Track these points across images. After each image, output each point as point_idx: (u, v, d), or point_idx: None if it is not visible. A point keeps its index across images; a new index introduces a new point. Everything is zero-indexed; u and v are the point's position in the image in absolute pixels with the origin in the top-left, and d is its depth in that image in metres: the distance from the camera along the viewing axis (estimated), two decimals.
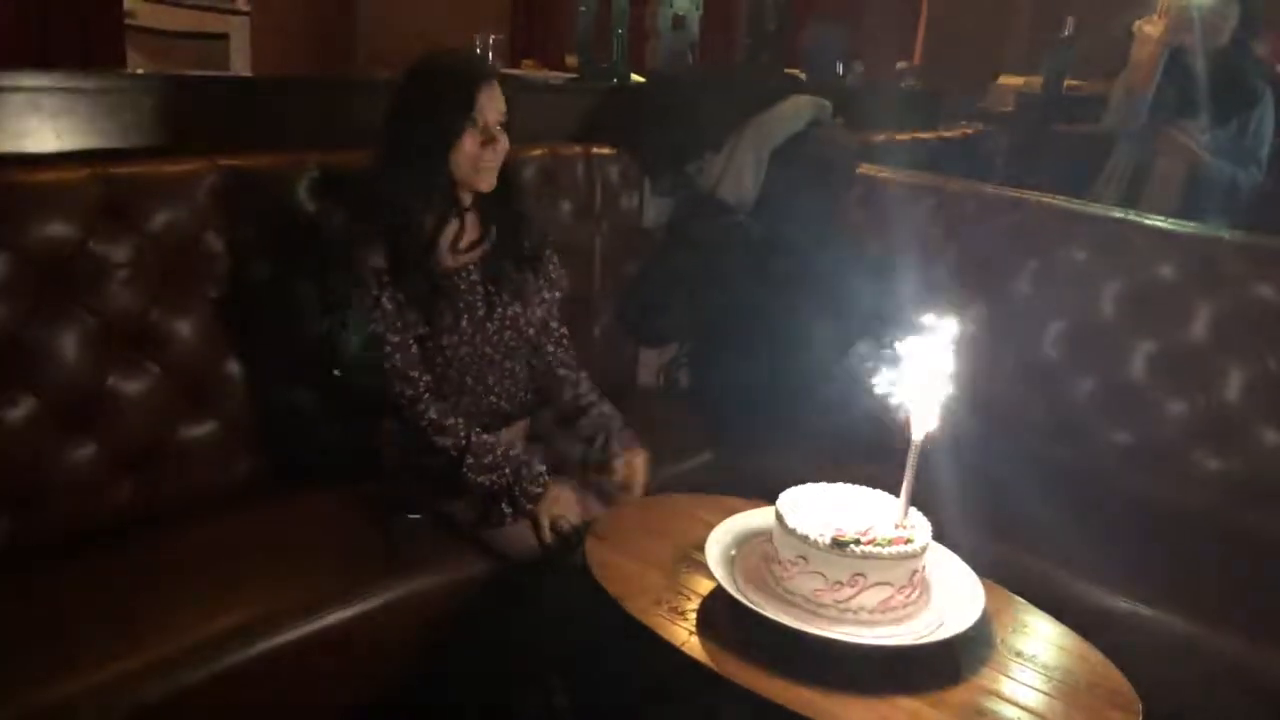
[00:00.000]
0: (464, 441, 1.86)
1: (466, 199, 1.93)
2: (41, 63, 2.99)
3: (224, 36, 4.99)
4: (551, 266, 2.07)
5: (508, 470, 1.86)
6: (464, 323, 1.91)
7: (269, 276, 2.04)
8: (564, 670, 1.85)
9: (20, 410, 1.76)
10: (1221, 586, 1.99)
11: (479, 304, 1.94)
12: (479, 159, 1.86)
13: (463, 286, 1.92)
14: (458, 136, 1.83)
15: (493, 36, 2.56)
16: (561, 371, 2.08)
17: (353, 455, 2.02)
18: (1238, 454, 2.27)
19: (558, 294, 2.08)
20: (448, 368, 1.93)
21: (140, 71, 2.35)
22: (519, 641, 1.87)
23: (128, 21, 5.01)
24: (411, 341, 1.87)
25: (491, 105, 1.85)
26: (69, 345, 1.81)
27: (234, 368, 2.02)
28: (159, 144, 2.06)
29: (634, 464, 1.99)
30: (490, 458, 1.86)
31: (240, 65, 4.71)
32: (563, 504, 1.88)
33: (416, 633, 1.84)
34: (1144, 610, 1.91)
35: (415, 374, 1.87)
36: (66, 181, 1.83)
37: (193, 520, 1.88)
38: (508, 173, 1.94)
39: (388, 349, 1.85)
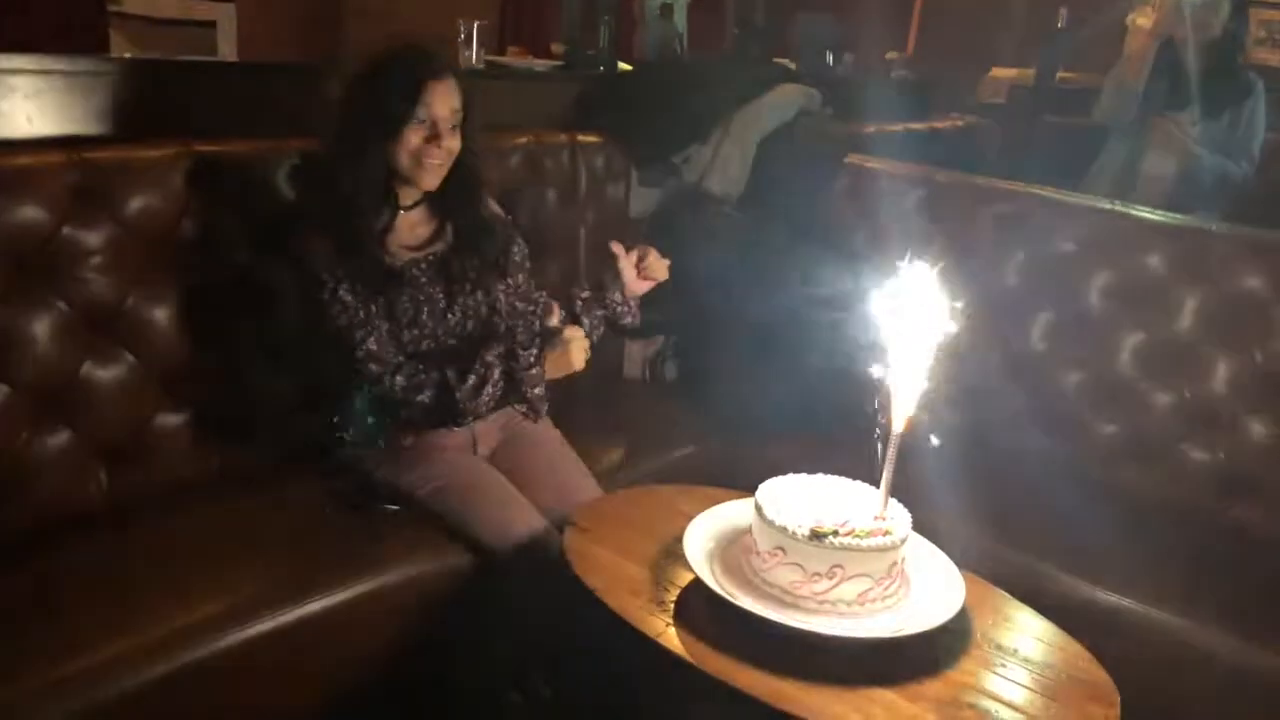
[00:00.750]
0: (436, 377, 1.83)
1: (409, 196, 1.89)
2: (21, 48, 2.96)
3: (211, 24, 4.95)
4: (515, 248, 2.03)
5: (490, 358, 1.84)
6: (424, 315, 1.88)
7: (246, 264, 2.02)
8: (547, 661, 1.85)
9: None
10: (1206, 579, 1.98)
11: (439, 296, 1.90)
12: (421, 153, 1.82)
13: (423, 280, 1.89)
14: (398, 128, 1.79)
15: (477, 23, 2.53)
16: (540, 306, 2.01)
17: (329, 445, 2.00)
18: (1224, 446, 2.25)
19: (526, 267, 2.04)
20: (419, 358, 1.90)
21: (116, 55, 2.32)
22: (501, 632, 1.86)
23: (115, 9, 4.97)
24: (378, 323, 1.83)
25: (442, 101, 1.81)
26: (42, 332, 1.79)
27: (210, 356, 2.00)
28: (135, 129, 2.03)
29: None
30: (469, 356, 1.83)
31: (228, 52, 4.68)
32: (576, 347, 1.88)
33: (396, 624, 1.83)
34: (1127, 603, 1.90)
35: (390, 353, 1.84)
36: (40, 166, 1.80)
37: (167, 509, 1.86)
38: (468, 176, 1.90)
39: (358, 335, 1.81)
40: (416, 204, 1.91)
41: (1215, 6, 2.87)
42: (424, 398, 1.84)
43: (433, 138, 1.81)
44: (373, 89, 1.81)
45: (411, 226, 1.92)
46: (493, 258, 1.97)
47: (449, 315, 1.91)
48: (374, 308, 1.83)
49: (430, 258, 1.92)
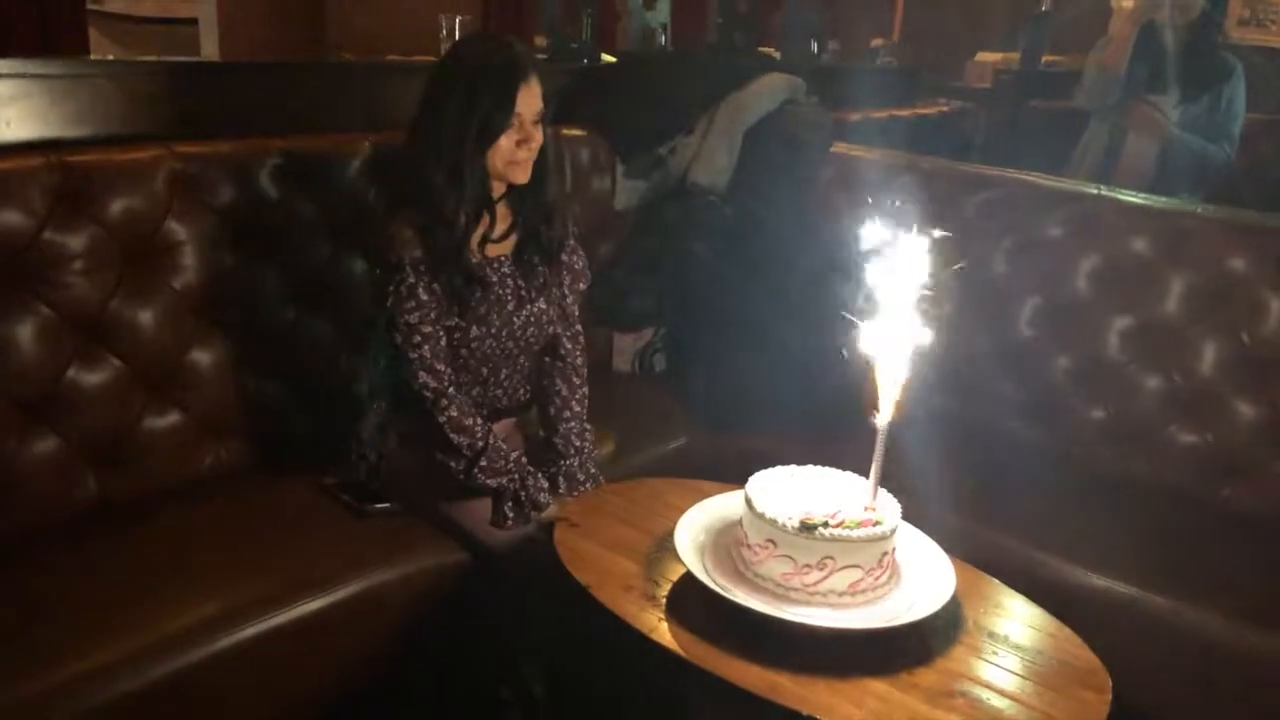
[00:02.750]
0: (480, 444, 1.85)
1: (499, 190, 1.90)
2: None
3: (193, 22, 4.92)
4: (577, 258, 2.04)
5: (517, 476, 1.87)
6: (494, 316, 1.89)
7: (233, 265, 2.01)
8: (540, 659, 1.85)
9: None
10: (1196, 561, 1.99)
11: (509, 298, 1.91)
12: (514, 154, 1.82)
13: (494, 279, 1.90)
14: (495, 139, 1.79)
15: (459, 18, 2.52)
16: (560, 385, 2.03)
17: (320, 445, 2.00)
18: (1212, 428, 2.26)
19: (581, 285, 2.06)
20: (469, 359, 1.91)
21: (96, 57, 2.30)
22: (494, 630, 1.86)
23: (95, 7, 4.94)
24: (441, 333, 1.84)
25: (530, 102, 1.81)
26: (25, 338, 1.78)
27: (198, 357, 1.99)
28: (117, 131, 2.02)
29: None
30: (503, 463, 1.86)
31: (210, 50, 4.65)
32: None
33: (390, 623, 1.83)
34: (1119, 587, 1.91)
35: (442, 368, 1.84)
36: (20, 171, 1.79)
37: (157, 513, 1.86)
38: (540, 161, 1.89)
39: (417, 339, 1.81)
40: (502, 197, 1.91)
41: None
42: (456, 440, 1.84)
43: (523, 140, 1.82)
44: (465, 97, 1.78)
45: (497, 220, 1.92)
46: (553, 247, 1.97)
47: (515, 318, 1.92)
48: (446, 308, 1.83)
49: (504, 257, 1.93)
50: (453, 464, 1.85)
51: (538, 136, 1.84)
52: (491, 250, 1.91)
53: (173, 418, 1.97)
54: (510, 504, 1.86)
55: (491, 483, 1.85)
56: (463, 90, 1.79)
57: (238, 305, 2.03)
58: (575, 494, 1.92)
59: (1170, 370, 2.32)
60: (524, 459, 1.91)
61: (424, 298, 1.81)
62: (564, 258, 2.00)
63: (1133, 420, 2.35)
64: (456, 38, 2.49)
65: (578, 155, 2.68)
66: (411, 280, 1.80)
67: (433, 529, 1.90)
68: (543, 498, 1.87)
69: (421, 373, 1.83)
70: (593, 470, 1.99)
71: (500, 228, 1.92)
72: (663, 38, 3.06)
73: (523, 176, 1.86)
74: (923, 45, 5.42)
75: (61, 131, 1.96)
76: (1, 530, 1.75)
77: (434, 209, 1.80)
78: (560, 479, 1.94)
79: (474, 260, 1.87)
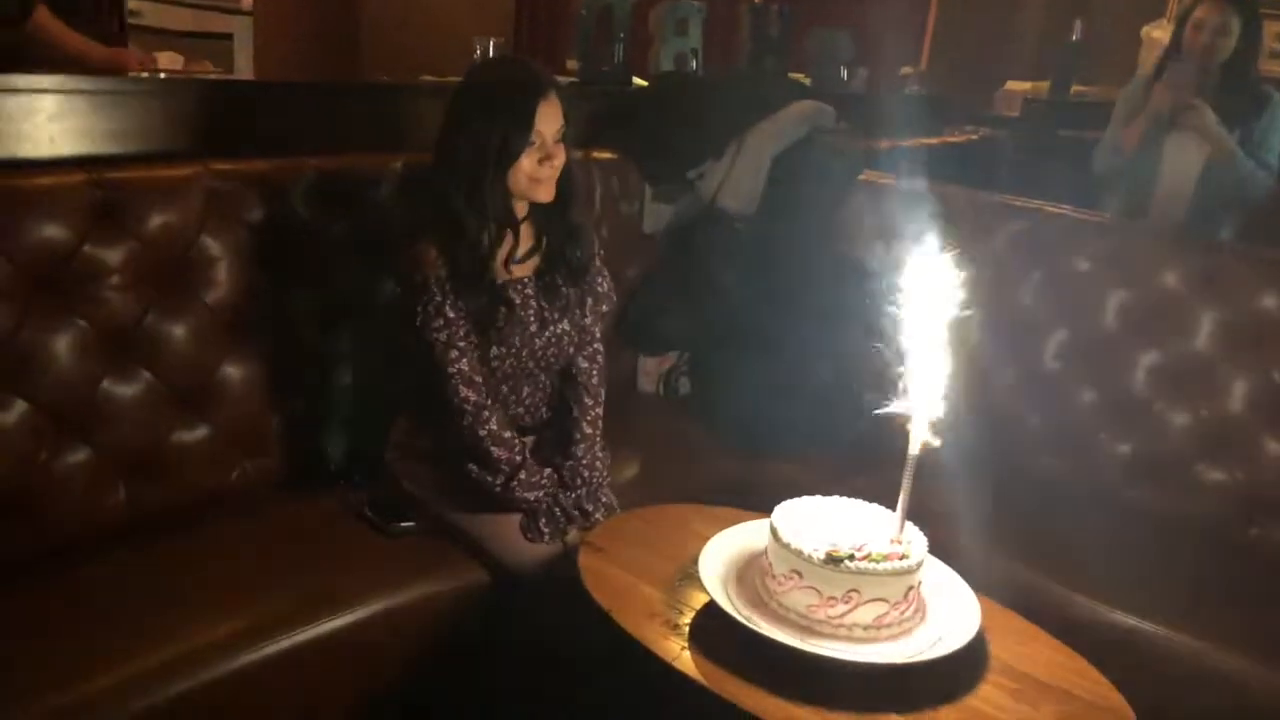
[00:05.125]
0: (519, 459, 1.87)
1: (522, 210, 1.91)
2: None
3: (228, 36, 4.98)
4: (601, 279, 2.04)
5: (551, 492, 1.89)
6: (515, 337, 1.90)
7: (265, 282, 2.03)
8: (559, 683, 1.84)
9: (12, 415, 1.75)
10: (1226, 601, 1.97)
11: (531, 319, 1.92)
12: (537, 172, 1.84)
13: (518, 300, 1.90)
14: (515, 158, 1.81)
15: (492, 40, 2.54)
16: (572, 404, 2.02)
17: (346, 462, 2.01)
18: (1241, 466, 2.24)
19: (604, 308, 2.07)
20: (490, 377, 1.91)
21: (137, 75, 2.34)
22: (514, 653, 1.86)
23: (132, 21, 5.00)
24: (473, 348, 1.86)
25: (550, 120, 1.82)
26: (62, 350, 1.80)
27: (229, 372, 2.01)
28: (157, 147, 2.05)
29: None
30: (538, 477, 1.88)
31: (244, 65, 4.70)
32: None
33: (411, 642, 1.83)
34: (1147, 627, 1.89)
35: (480, 380, 1.86)
36: (62, 186, 1.82)
37: (185, 526, 1.87)
38: (565, 181, 1.90)
39: (454, 354, 1.82)
40: (526, 217, 1.92)
41: (1226, 26, 2.86)
42: (496, 454, 1.86)
43: (545, 158, 1.83)
44: (483, 117, 1.80)
45: (520, 240, 1.93)
46: (580, 267, 1.98)
47: (536, 340, 1.93)
48: (470, 327, 1.85)
49: (528, 278, 1.94)
50: (490, 478, 1.86)
51: (560, 154, 1.85)
52: (515, 271, 1.92)
53: (201, 432, 1.99)
54: (544, 519, 1.87)
55: (530, 496, 1.86)
56: (481, 110, 1.81)
57: (268, 322, 2.05)
58: (587, 525, 1.91)
59: (1199, 407, 2.30)
60: (555, 482, 1.92)
61: (451, 315, 1.82)
62: (588, 279, 2.01)
63: (1160, 456, 2.33)
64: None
65: (608, 178, 2.70)
66: (439, 299, 1.82)
67: (457, 549, 1.90)
68: (577, 512, 1.89)
69: (462, 387, 1.83)
70: (604, 500, 1.97)
71: (524, 248, 1.93)
72: (694, 62, 3.07)
73: (546, 195, 1.87)
74: (952, 73, 5.41)
75: (103, 147, 1.98)
76: (31, 541, 1.77)
77: (457, 229, 1.82)
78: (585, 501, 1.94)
79: (498, 281, 1.88)
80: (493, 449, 1.85)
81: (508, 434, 1.87)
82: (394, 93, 2.68)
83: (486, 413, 1.85)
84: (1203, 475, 2.28)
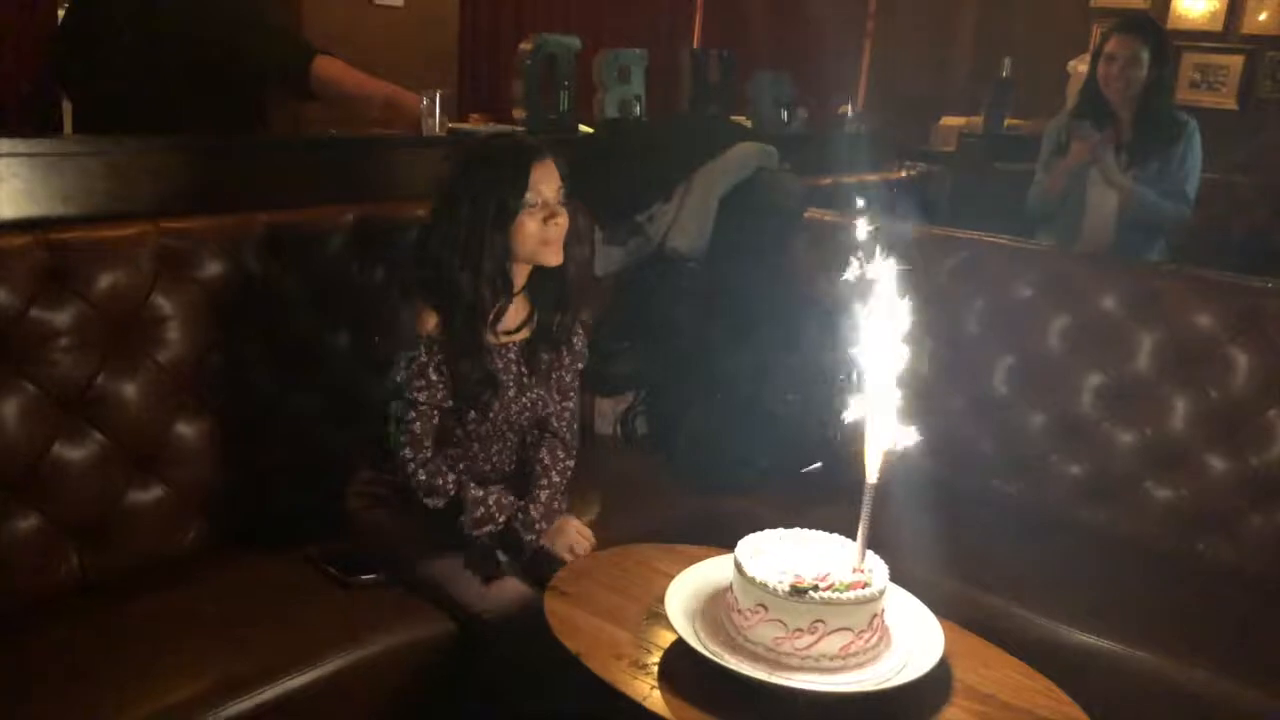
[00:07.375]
0: (453, 492, 1.88)
1: (521, 278, 1.93)
2: None
3: None
4: (577, 339, 2.07)
5: (501, 519, 1.89)
6: (494, 403, 1.92)
7: (218, 338, 2.02)
8: None
9: None
10: (1176, 615, 2.01)
11: (510, 384, 1.94)
12: (544, 235, 1.86)
13: (500, 365, 1.93)
14: (515, 216, 1.83)
15: (440, 93, 2.57)
16: (544, 454, 2.03)
17: (305, 517, 1.99)
18: (1185, 483, 2.30)
19: (579, 366, 2.09)
20: (464, 438, 1.95)
21: (70, 134, 2.32)
22: (483, 700, 1.85)
23: None
24: (436, 413, 1.88)
25: (548, 180, 1.86)
26: (11, 414, 1.77)
27: (182, 431, 1.99)
28: (103, 210, 2.03)
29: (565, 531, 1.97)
30: (481, 510, 1.88)
31: None
32: (572, 532, 1.94)
33: (379, 696, 1.81)
34: (1103, 644, 1.93)
35: (428, 442, 1.88)
36: (7, 249, 1.79)
37: (142, 589, 1.84)
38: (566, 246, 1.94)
39: (412, 415, 1.85)
40: (523, 287, 1.95)
41: (1136, 58, 2.97)
42: (431, 503, 1.88)
43: (549, 216, 1.86)
44: (482, 183, 1.84)
45: (516, 309, 1.96)
46: (563, 336, 2.01)
47: (513, 405, 1.95)
48: (448, 391, 1.87)
49: (513, 344, 1.96)
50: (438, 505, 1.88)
51: (564, 214, 1.89)
52: (503, 338, 1.95)
53: (156, 492, 1.96)
54: (502, 549, 1.89)
55: (479, 533, 1.88)
56: (479, 171, 1.85)
57: (222, 378, 2.03)
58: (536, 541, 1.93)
59: (1143, 426, 2.36)
60: (511, 499, 1.93)
61: (433, 378, 1.85)
62: (569, 343, 2.04)
63: (1109, 476, 2.39)
64: (437, 112, 2.53)
65: None
66: (424, 359, 1.84)
67: (420, 598, 1.89)
68: (539, 524, 1.91)
69: (408, 447, 1.86)
70: (557, 507, 2.00)
71: (517, 319, 1.96)
72: (638, 108, 3.12)
73: (555, 257, 1.90)
74: (889, 110, 5.55)
75: (48, 209, 1.96)
76: None
77: (451, 292, 1.85)
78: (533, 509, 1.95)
79: (485, 346, 1.90)
80: (427, 500, 1.88)
81: (438, 481, 1.88)
82: (343, 146, 2.68)
83: (413, 466, 1.87)
84: (1151, 493, 2.34)
